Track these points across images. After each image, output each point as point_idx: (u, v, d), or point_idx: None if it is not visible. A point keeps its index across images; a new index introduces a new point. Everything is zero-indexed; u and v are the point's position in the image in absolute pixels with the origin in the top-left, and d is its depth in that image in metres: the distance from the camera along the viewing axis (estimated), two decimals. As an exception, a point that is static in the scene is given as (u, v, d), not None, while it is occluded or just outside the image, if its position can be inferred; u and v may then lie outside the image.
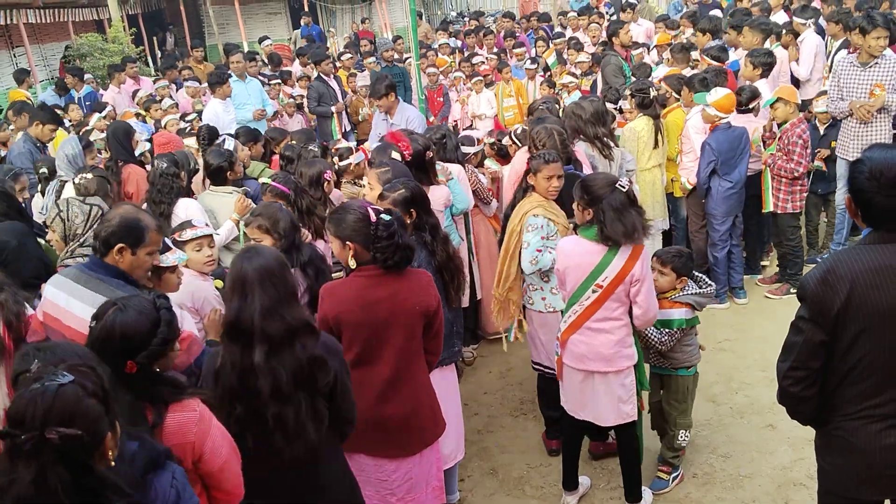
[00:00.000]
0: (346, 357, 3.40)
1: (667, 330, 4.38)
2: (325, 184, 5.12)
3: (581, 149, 5.67)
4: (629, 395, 4.17)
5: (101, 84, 12.27)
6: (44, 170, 5.99)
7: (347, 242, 3.41)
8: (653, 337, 4.38)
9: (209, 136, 6.99)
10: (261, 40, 14.70)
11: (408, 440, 3.60)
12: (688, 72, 7.85)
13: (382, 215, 3.40)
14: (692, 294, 4.45)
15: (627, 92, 7.02)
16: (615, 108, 7.35)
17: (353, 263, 3.45)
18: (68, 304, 3.22)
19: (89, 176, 5.22)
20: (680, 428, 4.55)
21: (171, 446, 2.38)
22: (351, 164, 6.06)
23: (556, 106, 6.62)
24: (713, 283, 4.63)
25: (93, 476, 1.88)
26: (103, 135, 7.98)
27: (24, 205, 5.66)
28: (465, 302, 5.76)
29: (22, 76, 12.12)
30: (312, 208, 4.85)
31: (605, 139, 5.86)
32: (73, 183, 5.15)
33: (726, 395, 5.52)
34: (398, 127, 7.58)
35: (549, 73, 10.82)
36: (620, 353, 4.10)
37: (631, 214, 3.88)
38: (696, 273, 4.56)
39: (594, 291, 4.02)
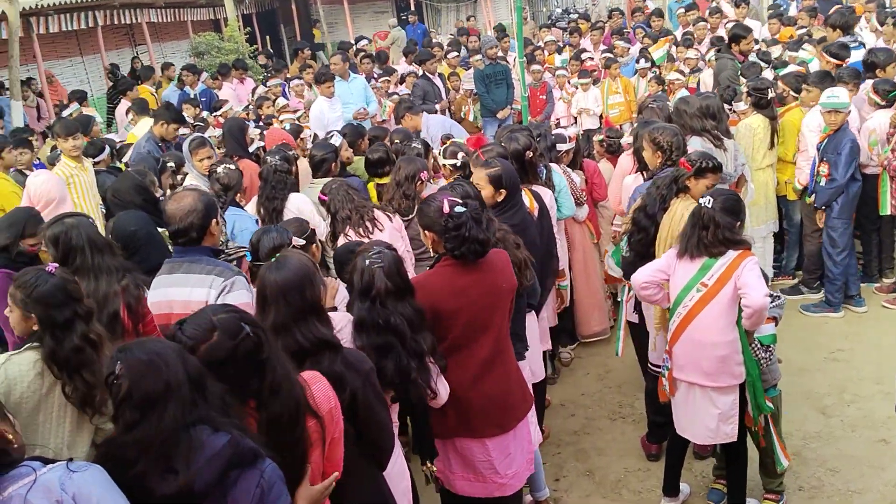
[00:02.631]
0: (442, 345, 3.44)
1: (768, 346, 4.20)
2: (419, 182, 5.16)
3: (697, 145, 5.52)
4: (730, 414, 4.05)
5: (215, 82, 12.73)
6: (171, 164, 6.27)
7: (426, 231, 3.52)
8: (760, 356, 4.15)
9: (294, 134, 7.18)
10: (357, 40, 14.97)
11: (503, 417, 3.63)
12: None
13: (456, 208, 3.43)
14: (774, 307, 4.28)
15: (744, 90, 6.81)
16: (729, 109, 7.13)
17: (433, 251, 3.56)
18: (167, 295, 3.57)
19: (232, 167, 5.39)
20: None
21: (322, 414, 2.51)
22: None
23: (667, 103, 6.46)
24: (780, 295, 4.48)
25: None
26: (218, 132, 8.33)
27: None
28: (566, 302, 5.76)
29: (148, 73, 12.74)
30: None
31: (713, 132, 5.71)
32: (215, 173, 5.36)
33: (838, 408, 5.29)
34: (427, 140, 7.65)
35: (657, 70, 10.58)
36: (724, 371, 3.99)
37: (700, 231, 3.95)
38: None
39: (698, 291, 3.96)
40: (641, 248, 4.66)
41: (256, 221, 5.27)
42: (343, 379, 2.76)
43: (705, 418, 4.08)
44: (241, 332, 2.38)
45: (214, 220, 3.64)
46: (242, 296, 3.51)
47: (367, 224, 4.74)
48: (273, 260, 2.88)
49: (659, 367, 4.75)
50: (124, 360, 2.17)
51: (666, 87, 9.62)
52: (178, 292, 3.57)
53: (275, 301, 2.77)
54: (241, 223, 5.08)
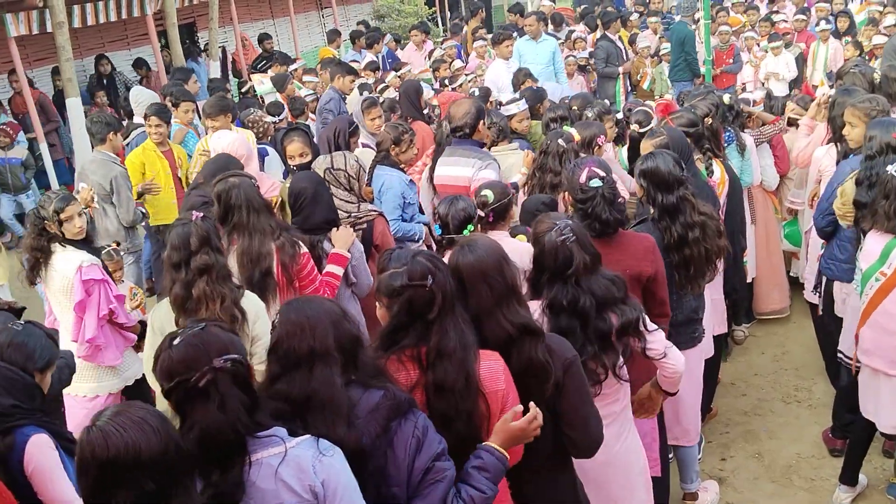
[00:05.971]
0: None
1: None
2: (597, 147, 5.09)
3: None
4: None
5: (400, 45, 13.02)
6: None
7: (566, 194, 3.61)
8: None
9: (483, 97, 7.23)
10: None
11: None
12: None
13: (593, 181, 3.37)
14: None
15: None
16: None
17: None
18: (443, 171, 5.01)
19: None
20: None
21: (487, 393, 2.41)
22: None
23: (871, 69, 5.94)
24: None
25: (254, 394, 2.08)
26: (395, 93, 8.56)
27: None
28: (749, 278, 5.58)
29: (333, 36, 13.25)
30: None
31: None
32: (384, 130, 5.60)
33: None
34: None
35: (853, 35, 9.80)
36: None
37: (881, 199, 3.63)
38: None
39: (877, 280, 3.71)
40: None
41: (410, 182, 5.33)
42: (547, 368, 2.56)
43: (890, 406, 3.84)
44: (420, 281, 2.37)
45: (482, 121, 4.96)
46: (490, 174, 4.66)
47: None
48: (460, 246, 2.69)
49: (844, 354, 4.49)
50: (282, 314, 2.27)
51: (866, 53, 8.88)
52: (449, 170, 4.95)
53: (474, 285, 2.57)
54: (388, 182, 5.11)
